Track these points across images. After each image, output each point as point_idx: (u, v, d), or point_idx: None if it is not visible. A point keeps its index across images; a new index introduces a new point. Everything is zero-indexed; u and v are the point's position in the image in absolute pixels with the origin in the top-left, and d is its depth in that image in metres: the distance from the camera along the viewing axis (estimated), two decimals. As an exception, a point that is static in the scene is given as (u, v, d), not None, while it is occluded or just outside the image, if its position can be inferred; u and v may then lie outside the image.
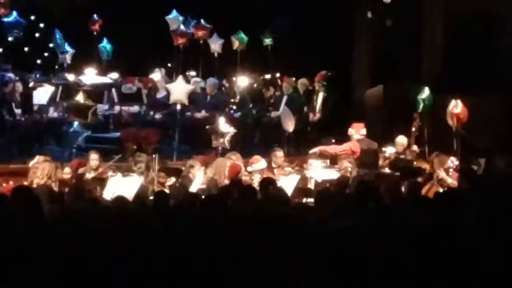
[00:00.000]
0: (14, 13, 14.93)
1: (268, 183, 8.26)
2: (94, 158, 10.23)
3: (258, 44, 17.06)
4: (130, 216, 5.66)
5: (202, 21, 16.57)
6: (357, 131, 11.73)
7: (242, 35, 16.74)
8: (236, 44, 16.73)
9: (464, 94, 12.07)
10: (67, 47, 16.07)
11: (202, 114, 13.85)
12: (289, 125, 12.53)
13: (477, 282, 4.52)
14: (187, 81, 15.07)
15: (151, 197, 9.44)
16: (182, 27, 15.96)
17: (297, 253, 4.51)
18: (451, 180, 10.02)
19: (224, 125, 11.97)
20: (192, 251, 4.72)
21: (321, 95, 14.25)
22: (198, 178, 10.03)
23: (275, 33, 17.07)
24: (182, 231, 5.06)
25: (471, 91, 12.63)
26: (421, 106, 12.24)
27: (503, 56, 14.18)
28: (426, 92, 12.34)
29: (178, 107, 12.88)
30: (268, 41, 17.13)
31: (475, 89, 12.93)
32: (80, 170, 10.11)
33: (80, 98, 12.37)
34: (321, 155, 11.42)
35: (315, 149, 11.56)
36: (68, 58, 15.97)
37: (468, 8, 14.51)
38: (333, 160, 11.52)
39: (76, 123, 12.56)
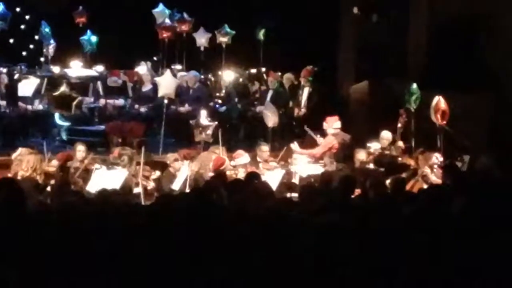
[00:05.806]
0: (1, 5, 14.88)
1: (252, 177, 8.26)
2: (80, 149, 10.24)
3: (244, 38, 17.03)
4: (114, 210, 5.66)
5: (185, 14, 16.54)
6: (330, 125, 11.75)
7: (227, 29, 16.71)
8: (221, 39, 16.69)
9: (448, 90, 12.12)
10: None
11: (185, 108, 13.83)
12: (271, 120, 12.52)
13: (460, 276, 4.55)
14: (174, 74, 15.05)
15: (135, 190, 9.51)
16: (167, 20, 15.91)
17: (282, 247, 4.52)
18: (435, 178, 10.09)
19: (205, 119, 11.97)
20: (176, 246, 4.72)
21: (306, 90, 14.23)
22: (183, 172, 10.03)
23: (268, 28, 17.00)
24: (167, 225, 5.05)
25: (456, 87, 12.68)
26: (411, 101, 12.24)
27: (487, 53, 14.24)
28: (414, 88, 12.35)
29: (166, 101, 12.82)
30: (261, 34, 17.04)
31: (459, 86, 12.98)
32: (68, 164, 10.08)
33: (64, 89, 12.31)
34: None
35: (301, 151, 11.55)
36: (50, 50, 15.89)
37: (452, 4, 14.56)
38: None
39: (56, 115, 12.51)
